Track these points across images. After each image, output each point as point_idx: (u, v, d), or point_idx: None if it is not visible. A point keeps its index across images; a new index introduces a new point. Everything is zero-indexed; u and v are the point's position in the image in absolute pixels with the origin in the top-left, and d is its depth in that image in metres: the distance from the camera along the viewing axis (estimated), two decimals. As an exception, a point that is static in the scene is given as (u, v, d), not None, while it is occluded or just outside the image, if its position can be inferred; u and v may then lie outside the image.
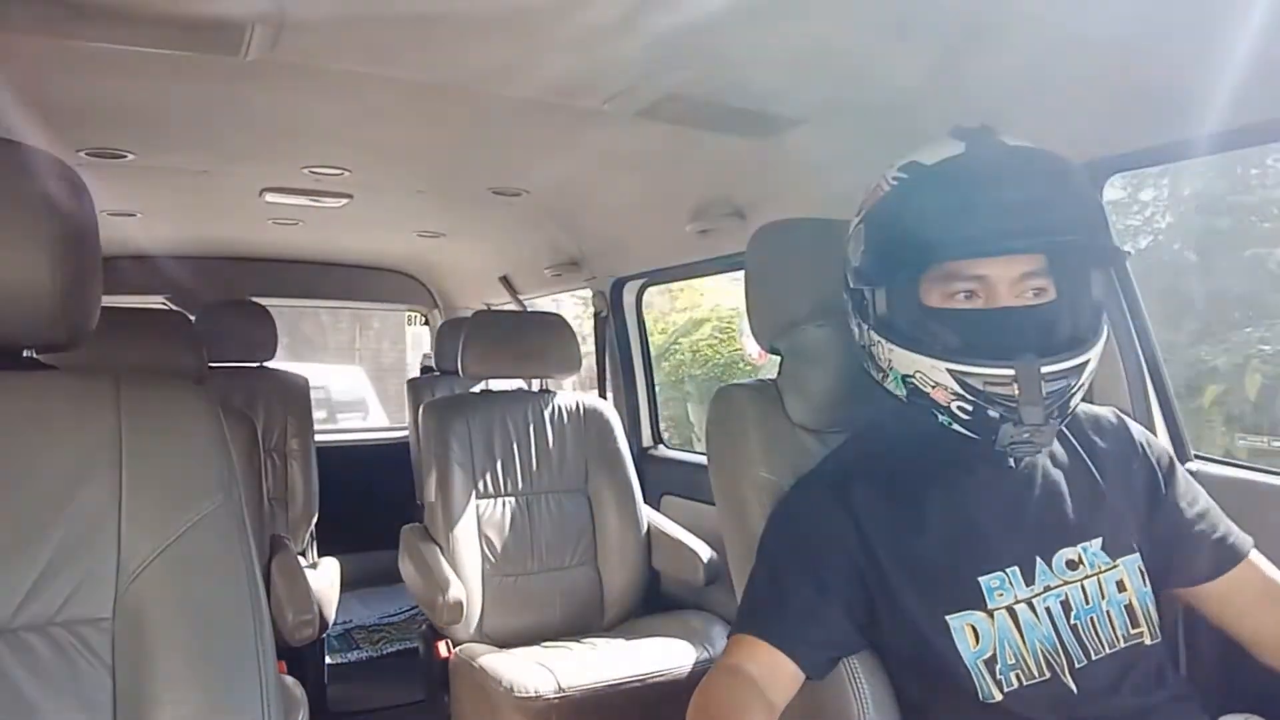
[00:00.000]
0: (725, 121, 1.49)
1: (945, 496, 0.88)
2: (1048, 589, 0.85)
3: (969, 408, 0.81)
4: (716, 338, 5.54)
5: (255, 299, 2.69)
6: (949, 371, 0.81)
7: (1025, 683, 0.82)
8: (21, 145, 0.72)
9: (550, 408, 2.08)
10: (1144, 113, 1.08)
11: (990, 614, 0.83)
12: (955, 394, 0.81)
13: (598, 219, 2.36)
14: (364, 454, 3.51)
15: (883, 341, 0.87)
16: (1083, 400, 0.87)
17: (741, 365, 5.28)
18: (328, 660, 2.63)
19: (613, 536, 2.02)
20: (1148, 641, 0.85)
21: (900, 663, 0.88)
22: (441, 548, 1.87)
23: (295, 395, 2.66)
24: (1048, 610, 0.84)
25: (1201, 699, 0.88)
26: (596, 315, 2.63)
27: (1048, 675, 0.82)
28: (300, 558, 2.06)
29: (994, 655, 0.82)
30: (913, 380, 0.85)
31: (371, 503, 3.01)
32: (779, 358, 1.13)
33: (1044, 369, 0.79)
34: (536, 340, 2.08)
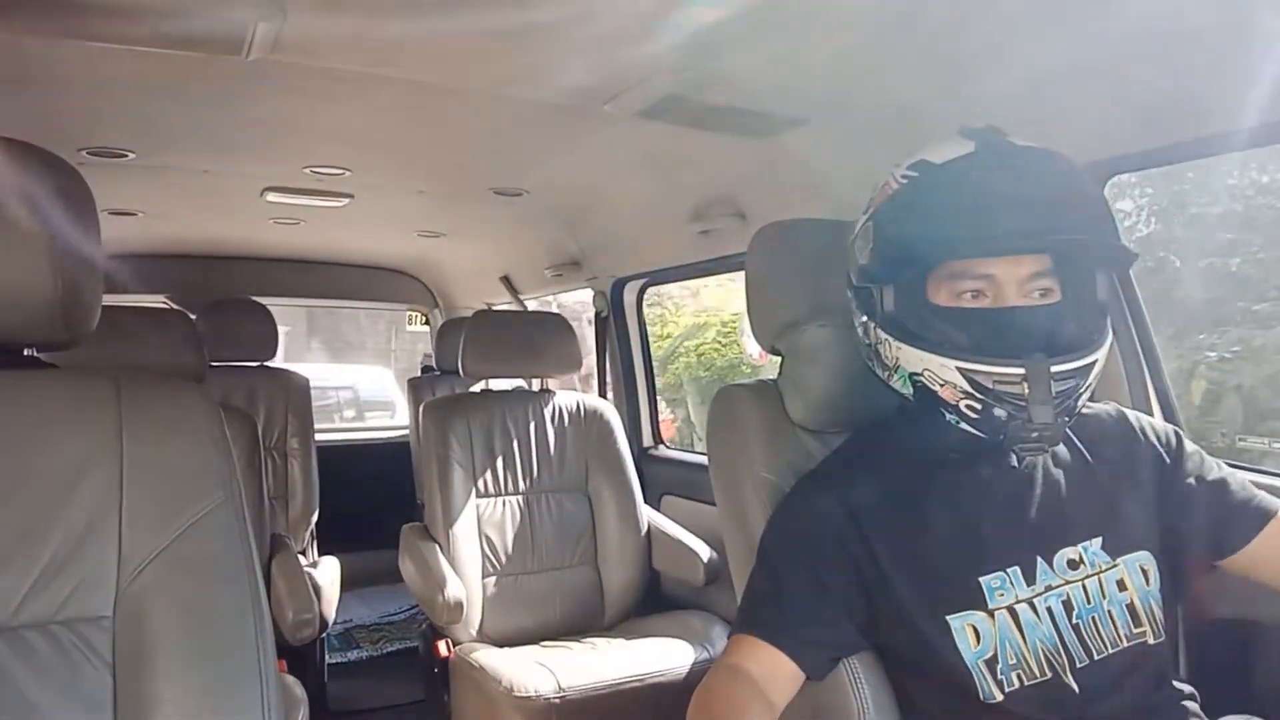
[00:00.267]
0: (726, 122, 1.49)
1: (946, 496, 0.88)
2: (1049, 588, 0.85)
3: (978, 406, 0.82)
4: (719, 342, 5.62)
5: (256, 298, 2.69)
6: (958, 370, 0.81)
7: (1026, 683, 0.82)
8: (22, 144, 0.73)
9: (550, 407, 2.08)
10: (1144, 114, 1.08)
11: (991, 614, 0.83)
12: (964, 392, 0.82)
13: (598, 219, 2.36)
14: (364, 453, 3.51)
15: (890, 339, 0.87)
16: None
17: (741, 367, 5.34)
18: (328, 659, 2.62)
19: (613, 536, 2.02)
20: (1150, 641, 0.85)
21: (901, 663, 0.88)
22: (442, 547, 1.87)
23: (296, 394, 2.66)
24: (1049, 610, 0.84)
25: (1202, 700, 0.88)
26: (597, 315, 2.63)
27: (1049, 675, 0.82)
28: (300, 557, 2.06)
29: (995, 655, 0.82)
30: (920, 378, 0.85)
31: (372, 502, 3.01)
32: (779, 358, 1.13)
33: (1054, 368, 0.79)
34: (536, 340, 2.08)
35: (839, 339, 1.00)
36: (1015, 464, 0.88)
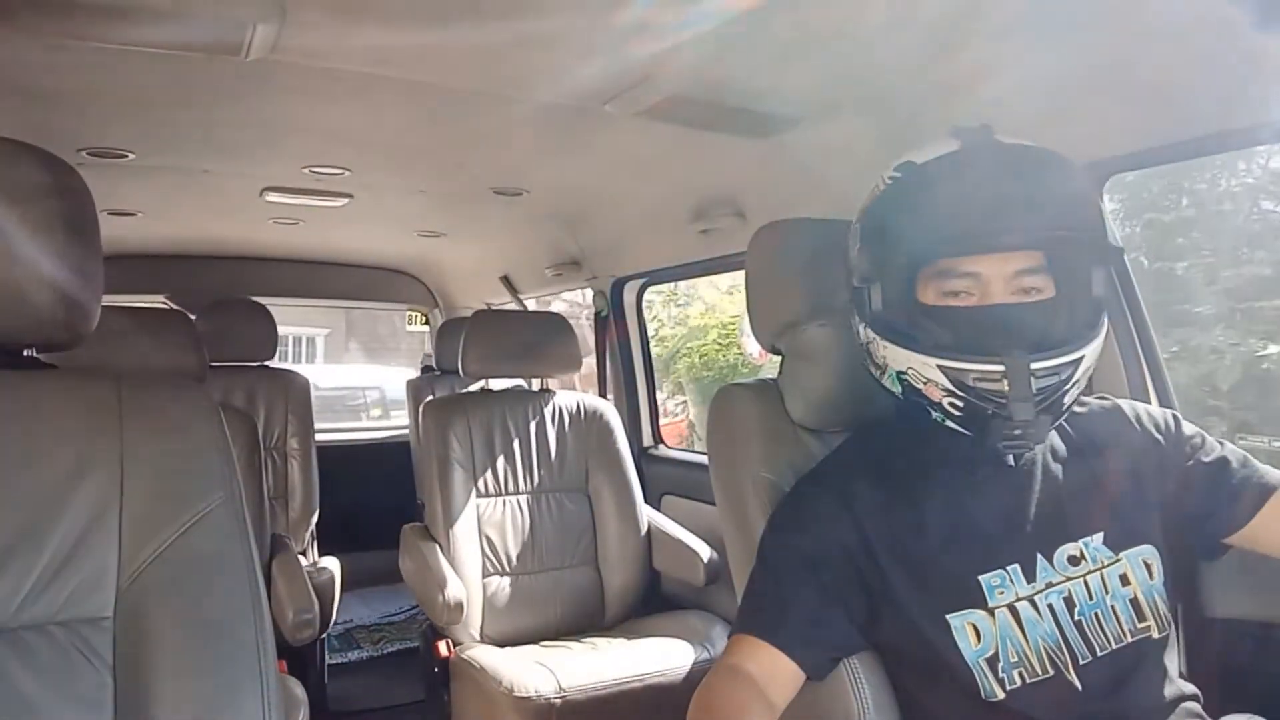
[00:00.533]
0: (726, 122, 1.49)
1: (945, 495, 0.89)
2: (1050, 585, 0.85)
3: (960, 404, 0.82)
4: (718, 344, 5.72)
5: (256, 298, 2.69)
6: (939, 368, 0.82)
7: (1028, 680, 0.82)
8: (22, 145, 0.72)
9: (550, 407, 2.08)
10: (1143, 114, 1.08)
11: (991, 612, 0.83)
12: (946, 390, 0.82)
13: (599, 219, 2.36)
14: (364, 453, 3.51)
15: (878, 339, 0.87)
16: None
17: (741, 369, 5.43)
18: (328, 659, 2.62)
19: (613, 536, 2.02)
20: (1155, 636, 0.85)
21: (901, 662, 0.88)
22: (442, 547, 1.87)
23: (296, 394, 2.66)
24: (1050, 607, 0.84)
25: (1203, 700, 0.88)
26: (597, 315, 2.63)
27: (1051, 673, 0.82)
28: (301, 557, 2.06)
29: (996, 653, 0.82)
30: (906, 377, 0.85)
31: (372, 502, 3.01)
32: (779, 357, 1.13)
33: (1034, 365, 0.79)
34: (536, 340, 2.08)
35: (839, 338, 1.00)
36: (1013, 462, 0.88)
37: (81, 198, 0.75)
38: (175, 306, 2.84)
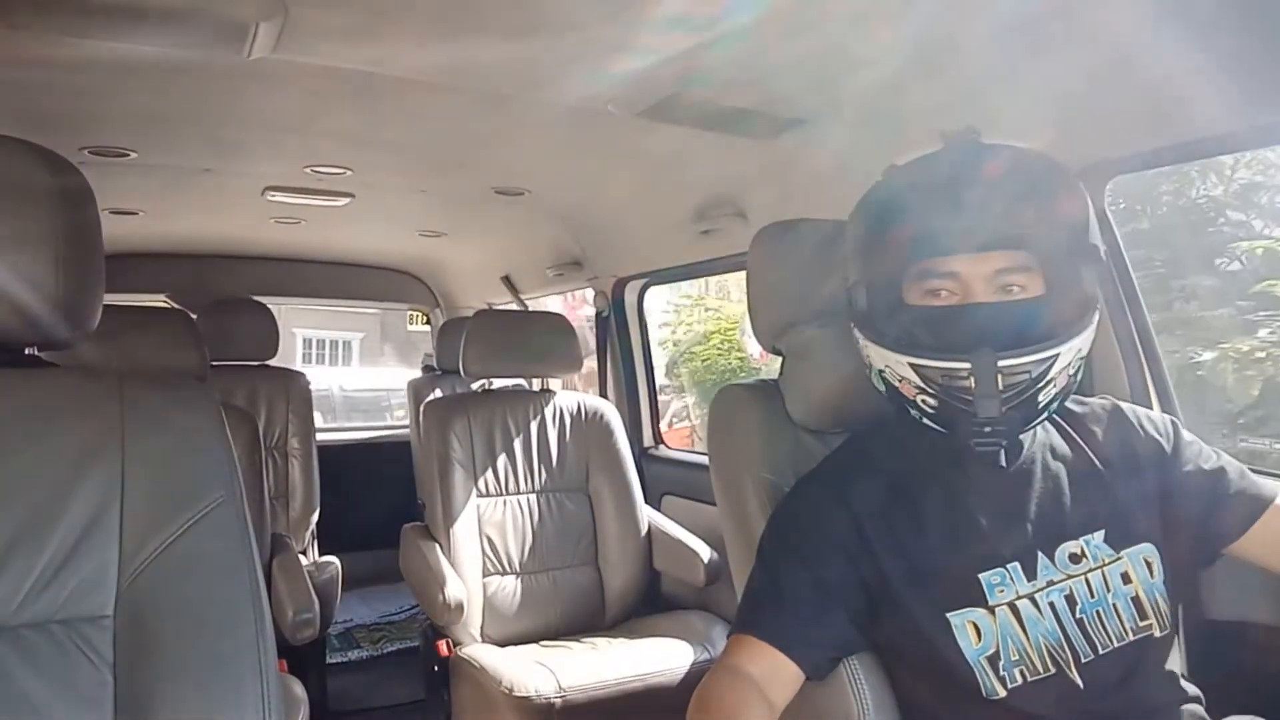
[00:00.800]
0: (728, 122, 1.49)
1: (944, 495, 0.89)
2: (1051, 583, 0.85)
3: (933, 402, 0.83)
4: (718, 349, 5.93)
5: (257, 297, 2.69)
6: (910, 365, 0.83)
7: (1030, 678, 0.82)
8: (24, 143, 0.73)
9: (551, 407, 2.08)
10: (1144, 117, 1.08)
11: (992, 610, 0.83)
12: (919, 388, 0.83)
13: (600, 219, 2.36)
14: (365, 453, 3.51)
15: (861, 337, 0.89)
16: (1077, 394, 0.89)
17: (739, 372, 5.55)
18: (328, 659, 2.62)
19: (613, 536, 2.02)
20: (1157, 633, 0.85)
21: (902, 662, 0.88)
22: (442, 547, 1.87)
23: (296, 394, 2.66)
24: (1051, 605, 0.84)
25: (1205, 699, 0.88)
26: (598, 315, 2.63)
27: (1053, 671, 0.82)
28: (301, 556, 2.06)
29: (997, 652, 0.82)
30: (885, 375, 0.87)
31: (372, 502, 3.01)
32: (780, 358, 1.13)
33: (1002, 363, 0.79)
34: (537, 340, 2.08)
35: (839, 339, 1.00)
36: (1004, 464, 0.88)
37: (83, 196, 0.75)
38: (176, 305, 2.84)
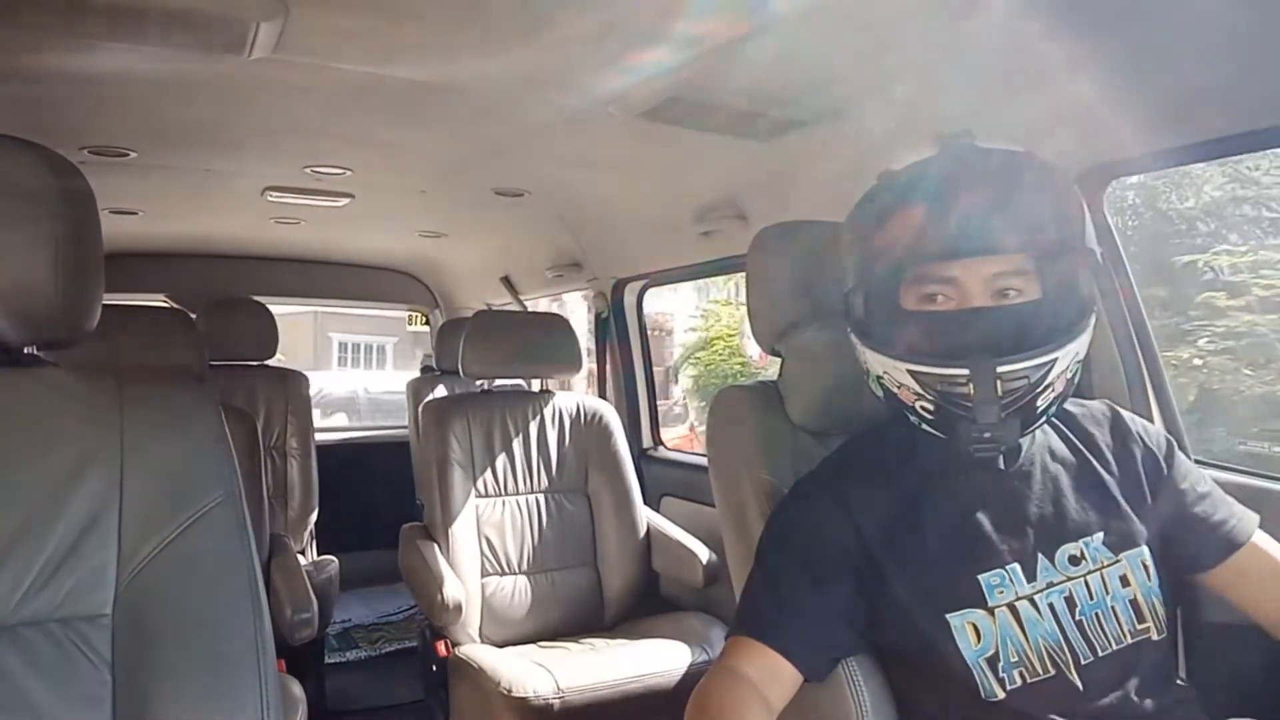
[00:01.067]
0: (728, 124, 1.49)
1: (944, 496, 0.89)
2: (1050, 585, 0.85)
3: (931, 408, 0.83)
4: (719, 355, 6.20)
5: (256, 297, 2.69)
6: (909, 372, 0.83)
7: (1029, 680, 0.82)
8: (24, 143, 0.73)
9: (550, 408, 2.08)
10: (1144, 120, 1.08)
11: (991, 612, 0.83)
12: (917, 394, 0.83)
13: (599, 220, 2.36)
14: (364, 453, 3.51)
15: (858, 344, 0.89)
16: (1076, 397, 0.89)
17: (739, 376, 5.68)
18: (327, 659, 2.62)
19: (612, 537, 2.02)
20: (1154, 637, 0.85)
21: (900, 663, 0.88)
22: (441, 547, 1.87)
23: (295, 394, 2.66)
24: (1051, 606, 0.84)
25: (1203, 701, 0.88)
26: (597, 316, 2.63)
27: (1052, 672, 0.82)
28: (300, 556, 2.06)
29: (996, 653, 0.82)
30: (883, 381, 0.87)
31: (371, 502, 3.01)
32: (779, 359, 1.13)
33: (1000, 368, 0.79)
34: (537, 340, 2.08)
35: (838, 340, 1.00)
36: (1003, 465, 0.88)
37: (83, 196, 0.75)
38: (176, 305, 2.84)
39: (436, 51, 1.24)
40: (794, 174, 1.65)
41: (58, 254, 0.71)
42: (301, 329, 11.44)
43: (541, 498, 2.02)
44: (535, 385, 2.52)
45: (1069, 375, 0.83)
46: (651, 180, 1.97)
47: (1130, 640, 0.84)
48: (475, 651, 1.75)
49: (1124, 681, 0.83)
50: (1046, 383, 0.81)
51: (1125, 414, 0.98)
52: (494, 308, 3.22)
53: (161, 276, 2.99)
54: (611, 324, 2.58)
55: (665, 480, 2.35)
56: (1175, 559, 0.90)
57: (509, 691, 1.54)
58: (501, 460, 2.00)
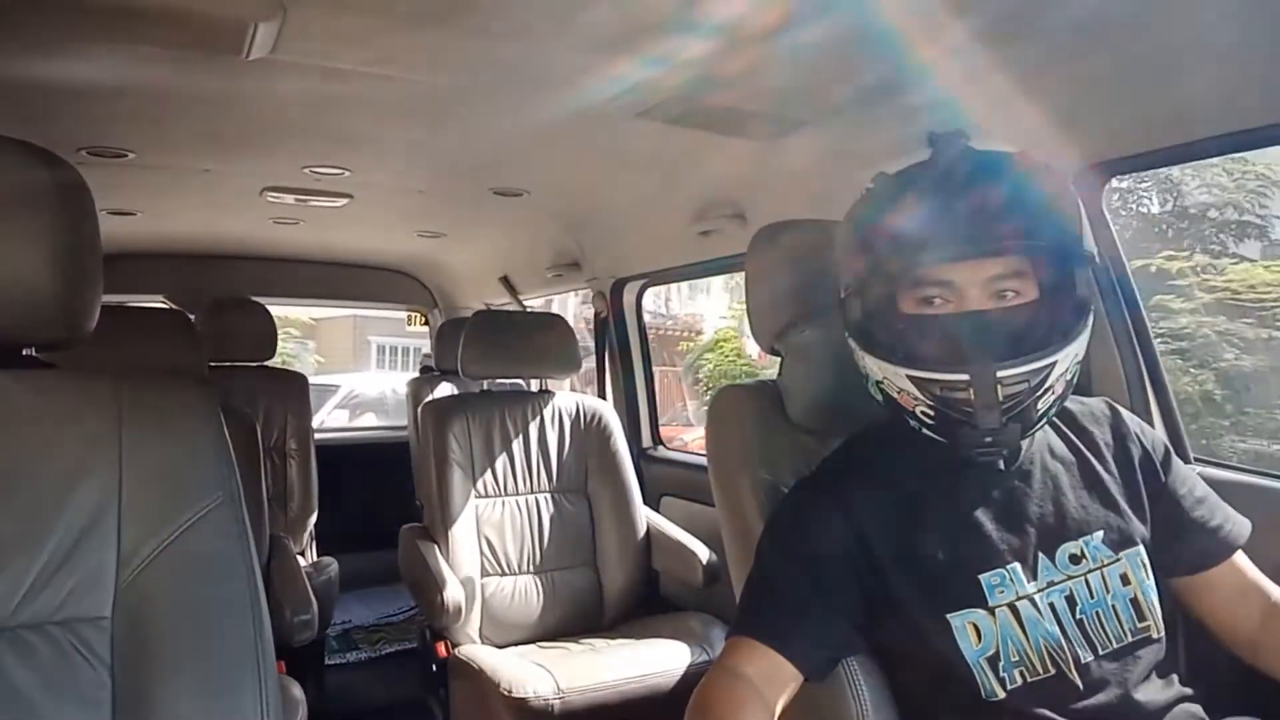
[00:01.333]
0: (727, 123, 1.49)
1: (943, 496, 0.89)
2: (1051, 584, 0.85)
3: (932, 413, 0.83)
4: (725, 355, 6.44)
5: (255, 298, 2.69)
6: (909, 378, 0.83)
7: (1029, 679, 0.82)
8: (23, 144, 0.72)
9: (550, 408, 2.08)
10: (1144, 118, 1.08)
11: (992, 611, 0.83)
12: (917, 399, 0.83)
13: (599, 219, 2.36)
14: (364, 454, 3.50)
15: (857, 348, 0.88)
16: (1075, 396, 0.89)
17: (743, 377, 5.82)
18: (327, 660, 2.62)
19: (612, 537, 2.02)
20: (1154, 635, 0.85)
21: (901, 663, 0.88)
22: (441, 548, 1.87)
23: (295, 394, 2.66)
24: (1051, 606, 0.84)
25: (1203, 702, 0.88)
26: (596, 316, 2.63)
27: (1052, 671, 0.82)
28: (299, 557, 2.06)
29: (997, 653, 0.82)
30: (883, 386, 0.87)
31: (371, 502, 3.01)
32: (779, 358, 1.13)
33: (1000, 373, 0.79)
34: (536, 340, 2.08)
35: (838, 340, 1.00)
36: (1003, 466, 0.88)
37: (81, 197, 0.75)
38: (175, 306, 2.84)
39: (435, 51, 1.24)
40: (792, 174, 1.65)
41: (56, 255, 0.71)
42: (341, 333, 11.46)
43: (541, 498, 2.02)
44: (534, 385, 2.52)
45: (1068, 377, 0.83)
46: (650, 180, 1.97)
47: (1131, 639, 0.84)
48: (475, 652, 1.75)
49: (1124, 680, 0.83)
50: (1046, 386, 0.81)
51: (1125, 414, 0.98)
52: (493, 308, 3.21)
53: (160, 277, 2.99)
54: (610, 323, 2.58)
55: (665, 480, 2.35)
56: (1164, 562, 0.90)
57: (509, 692, 1.54)
58: (501, 460, 2.00)
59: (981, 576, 0.84)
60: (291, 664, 1.63)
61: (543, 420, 2.06)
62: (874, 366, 0.86)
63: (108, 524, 0.70)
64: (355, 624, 3.06)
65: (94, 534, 0.69)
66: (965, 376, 0.80)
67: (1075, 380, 0.85)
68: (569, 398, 2.13)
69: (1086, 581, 0.85)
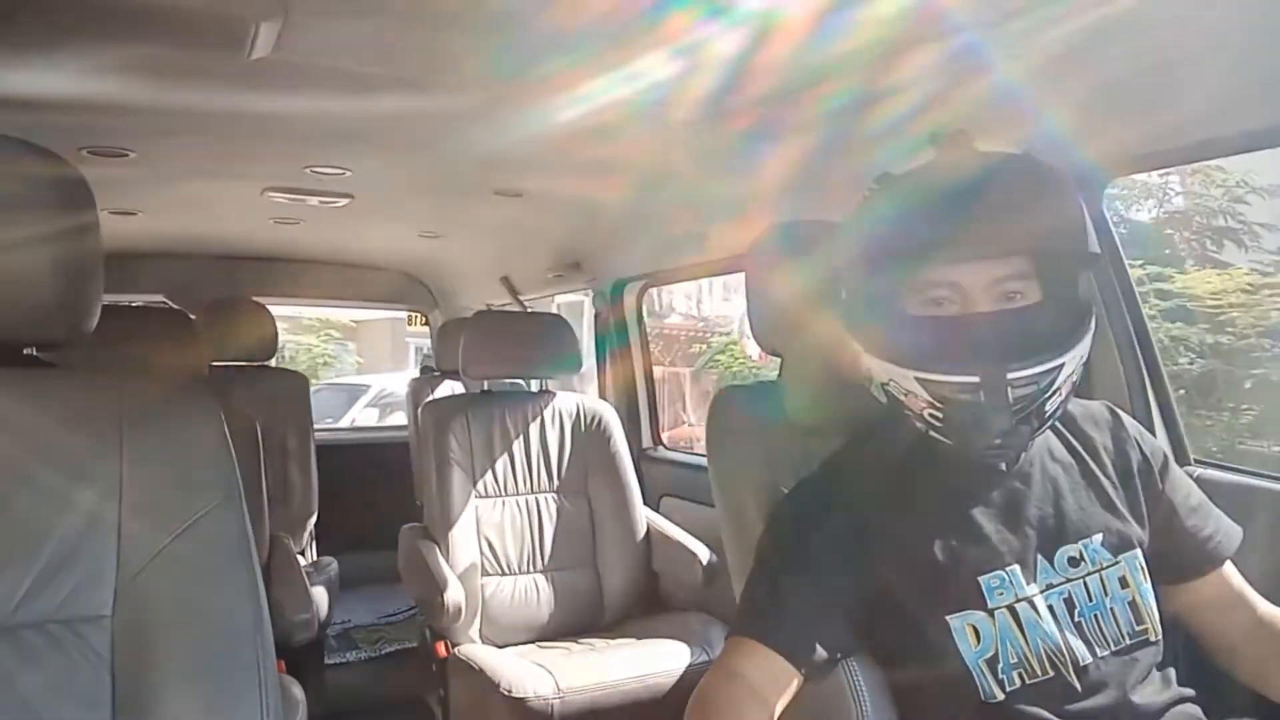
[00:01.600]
0: (726, 123, 1.49)
1: (944, 497, 0.89)
2: (1050, 587, 0.85)
3: (940, 415, 0.82)
4: (734, 357, 6.69)
5: (256, 298, 2.69)
6: (918, 380, 0.82)
7: (1028, 681, 0.82)
8: (23, 143, 0.73)
9: (550, 408, 2.08)
10: (1144, 119, 1.08)
11: (991, 613, 0.83)
12: (926, 402, 0.82)
13: (599, 220, 2.36)
14: (364, 454, 3.50)
15: (860, 350, 0.88)
16: (1075, 398, 0.88)
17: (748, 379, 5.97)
18: (327, 660, 2.62)
19: (612, 537, 2.02)
20: (1153, 638, 0.86)
21: (900, 664, 0.88)
22: (440, 548, 1.87)
23: (295, 395, 2.66)
24: (1050, 608, 0.84)
25: (1201, 701, 0.88)
26: (596, 316, 2.63)
27: (1051, 673, 0.82)
28: (300, 557, 2.06)
29: (996, 654, 0.82)
30: (889, 388, 0.86)
31: (371, 502, 3.00)
32: (779, 359, 1.13)
33: (1011, 375, 0.79)
34: (536, 341, 2.08)
35: (838, 340, 1.00)
36: (1004, 467, 0.88)
37: (82, 196, 0.75)
38: (175, 306, 2.84)
39: (436, 52, 1.24)
40: (793, 173, 1.64)
41: (56, 254, 0.71)
42: (381, 334, 11.48)
43: (541, 498, 2.02)
44: (534, 386, 2.52)
45: (1074, 379, 0.83)
46: (650, 180, 1.97)
47: (1129, 641, 0.85)
48: (475, 652, 1.75)
49: (1123, 682, 0.83)
50: (1054, 387, 0.81)
51: (1125, 418, 0.98)
52: (494, 308, 3.21)
53: (161, 277, 2.99)
54: (611, 324, 2.58)
55: (665, 480, 2.35)
56: (1153, 567, 0.90)
57: (509, 692, 1.54)
58: (501, 461, 2.00)
59: (981, 578, 0.84)
60: (291, 663, 1.63)
61: (543, 420, 2.06)
62: (879, 369, 0.86)
63: (108, 523, 0.70)
64: (355, 624, 3.06)
65: (95, 534, 0.70)
66: (976, 379, 0.79)
67: (1079, 382, 0.84)
68: (569, 398, 2.13)
69: (1085, 584, 0.85)
